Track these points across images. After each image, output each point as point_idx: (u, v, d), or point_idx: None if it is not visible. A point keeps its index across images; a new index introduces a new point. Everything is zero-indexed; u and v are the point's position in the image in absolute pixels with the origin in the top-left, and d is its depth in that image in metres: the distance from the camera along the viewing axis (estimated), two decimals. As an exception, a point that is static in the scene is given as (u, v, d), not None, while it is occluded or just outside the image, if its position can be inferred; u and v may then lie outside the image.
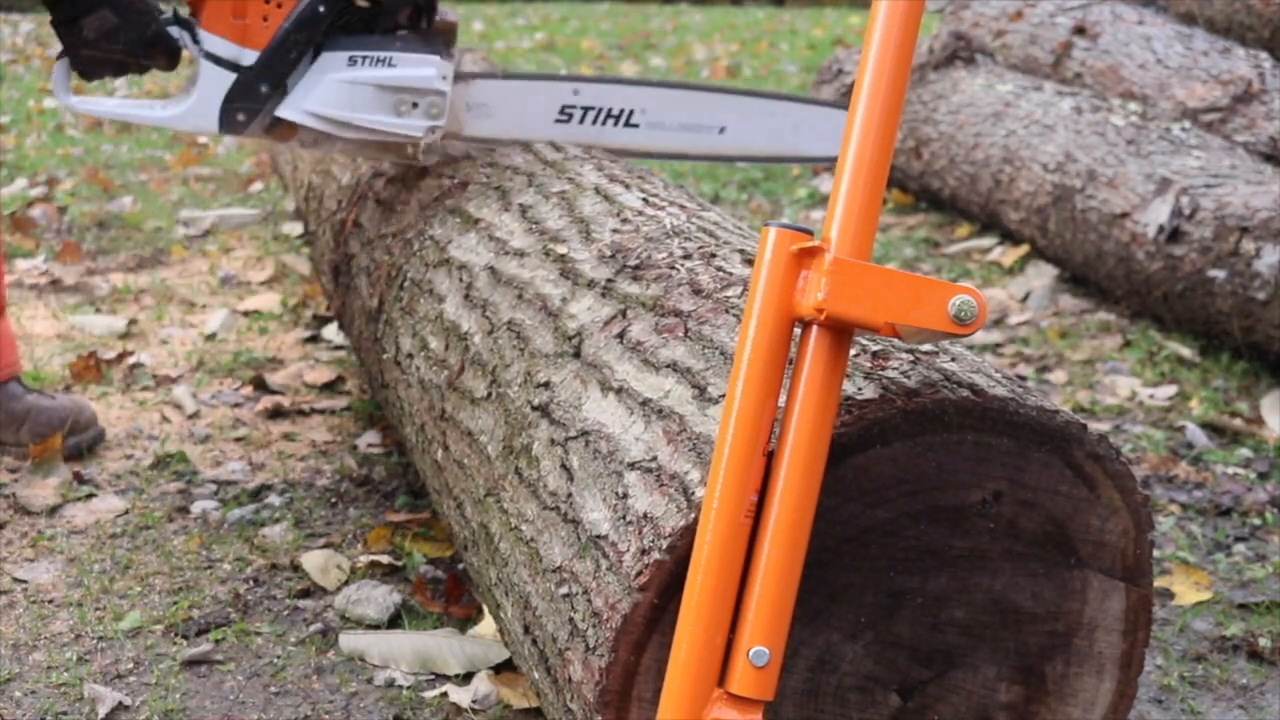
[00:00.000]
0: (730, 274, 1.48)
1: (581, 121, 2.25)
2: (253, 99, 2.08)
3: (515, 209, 1.93)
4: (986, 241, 4.07)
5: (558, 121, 2.25)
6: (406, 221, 2.17)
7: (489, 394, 1.63)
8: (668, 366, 1.35)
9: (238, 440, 2.61)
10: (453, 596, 2.02)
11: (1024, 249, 3.84)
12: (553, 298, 1.63)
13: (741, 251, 1.56)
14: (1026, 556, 1.22)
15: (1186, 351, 3.11)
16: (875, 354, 1.25)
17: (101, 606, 2.01)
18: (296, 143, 2.16)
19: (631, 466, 1.27)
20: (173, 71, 2.11)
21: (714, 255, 1.54)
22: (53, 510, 2.31)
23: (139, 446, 2.57)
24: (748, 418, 1.10)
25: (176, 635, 1.94)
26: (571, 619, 1.26)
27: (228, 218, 4.33)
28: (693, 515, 1.15)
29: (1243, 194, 3.06)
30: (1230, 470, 2.52)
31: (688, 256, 1.55)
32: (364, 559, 2.14)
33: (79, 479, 2.40)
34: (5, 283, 2.50)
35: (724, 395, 1.26)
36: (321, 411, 2.75)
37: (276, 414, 2.73)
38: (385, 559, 2.13)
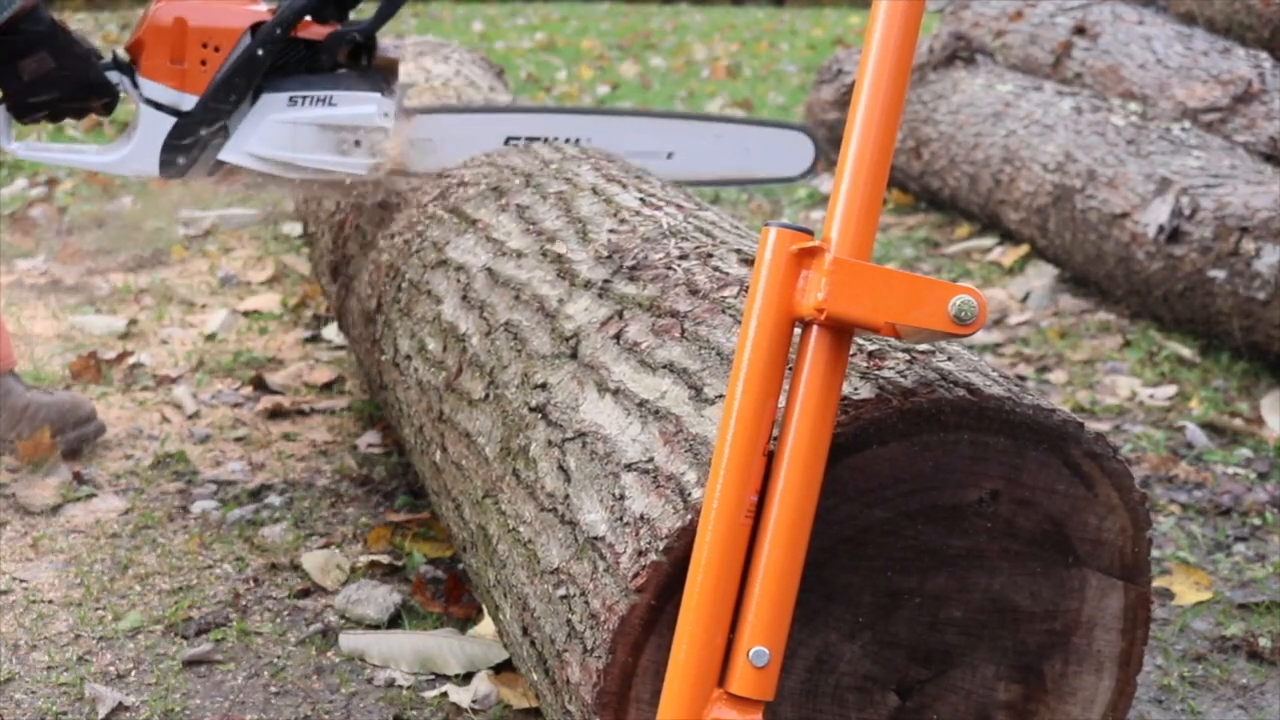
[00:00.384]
0: (727, 274, 1.48)
1: None
2: (193, 143, 2.08)
3: (513, 209, 1.93)
4: (986, 241, 4.07)
5: None
6: (405, 222, 2.17)
7: (487, 395, 1.63)
8: (664, 367, 1.35)
9: (238, 440, 2.61)
10: (453, 596, 2.02)
11: (1024, 249, 3.84)
12: (550, 298, 1.63)
13: (738, 251, 1.56)
14: (1024, 555, 1.22)
15: (1186, 351, 3.11)
16: (871, 354, 1.25)
17: (101, 606, 2.01)
18: (241, 185, 2.16)
19: (628, 468, 1.27)
20: (108, 116, 2.11)
21: (711, 255, 1.54)
22: (53, 510, 2.31)
23: (139, 446, 2.57)
24: (747, 418, 1.10)
25: (176, 635, 1.94)
26: (569, 620, 1.26)
27: (228, 218, 4.33)
28: (689, 516, 1.15)
29: (1243, 194, 3.06)
30: (1230, 470, 2.52)
31: (684, 256, 1.55)
32: (364, 559, 2.14)
33: (79, 479, 2.40)
34: (3, 281, 2.51)
35: (720, 396, 1.26)
36: (321, 411, 2.75)
37: (276, 414, 2.73)
38: (385, 559, 2.13)
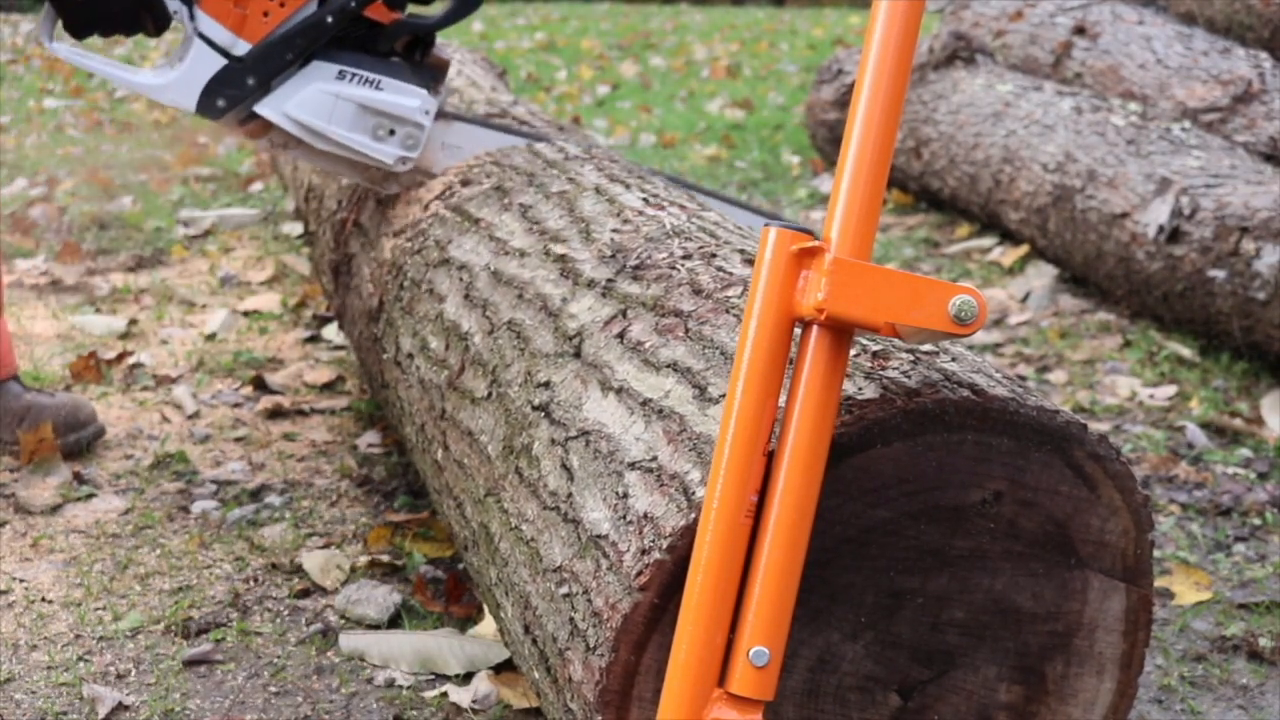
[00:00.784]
0: (730, 274, 1.48)
1: None
2: (236, 89, 2.07)
3: (515, 209, 1.93)
4: (986, 241, 4.07)
5: None
6: (407, 221, 2.17)
7: (489, 394, 1.63)
8: (668, 366, 1.35)
9: (238, 440, 2.61)
10: (453, 596, 2.02)
11: (1024, 249, 3.84)
12: (553, 298, 1.63)
13: (742, 251, 1.56)
14: (1027, 556, 1.22)
15: (1186, 351, 3.11)
16: (876, 354, 1.25)
17: (101, 606, 2.01)
18: (266, 141, 2.16)
19: (632, 466, 1.27)
20: (157, 37, 2.10)
21: (714, 255, 1.54)
22: (53, 510, 2.31)
23: (139, 446, 2.57)
24: (748, 418, 1.10)
25: (176, 635, 1.94)
26: (572, 619, 1.26)
27: (228, 218, 4.33)
28: (693, 515, 1.15)
29: (1243, 194, 3.06)
30: (1230, 470, 2.52)
31: (688, 256, 1.55)
32: (364, 559, 2.14)
33: (79, 479, 2.40)
34: (5, 283, 2.50)
35: (724, 395, 1.26)
36: (321, 411, 2.75)
37: (276, 414, 2.73)
38: (385, 559, 2.13)
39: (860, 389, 1.18)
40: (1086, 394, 2.89)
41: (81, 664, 1.87)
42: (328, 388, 2.88)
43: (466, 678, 1.85)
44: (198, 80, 2.07)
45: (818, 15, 12.08)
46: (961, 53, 4.63)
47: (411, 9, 2.16)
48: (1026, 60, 4.78)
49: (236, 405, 2.78)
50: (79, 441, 2.50)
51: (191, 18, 2.06)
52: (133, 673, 1.85)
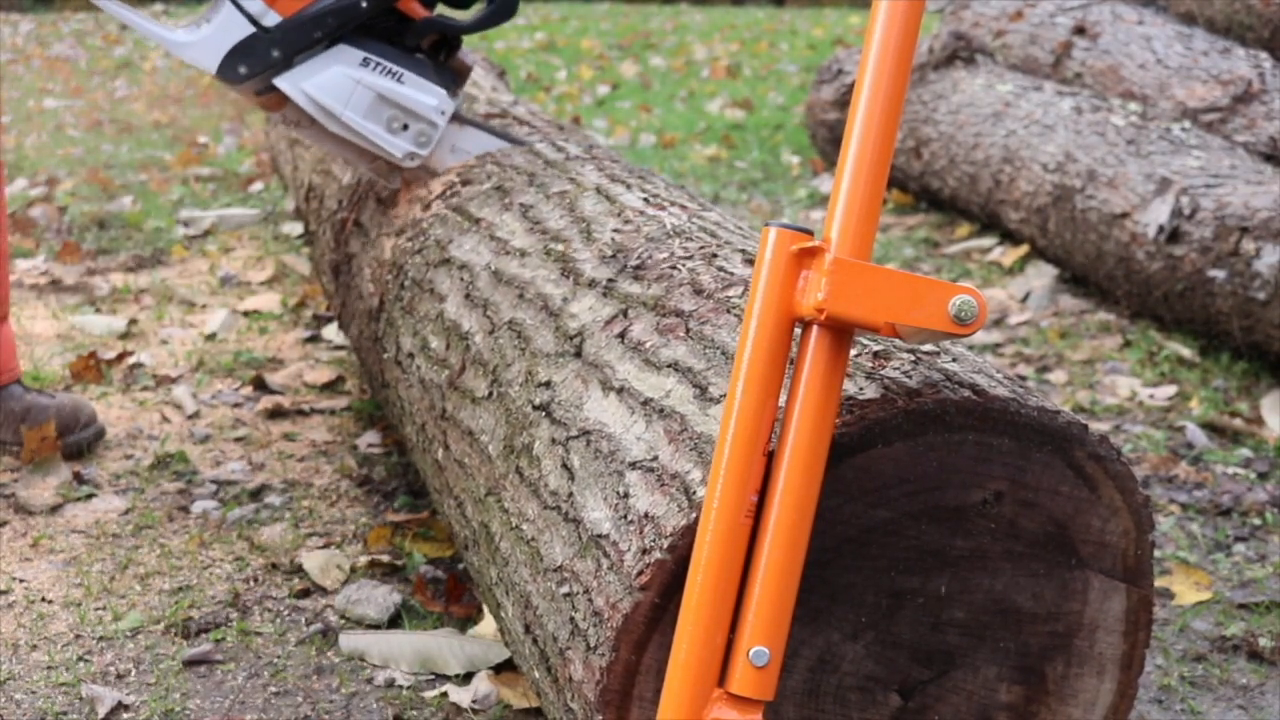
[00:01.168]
0: (731, 274, 1.48)
1: None
2: (260, 59, 2.07)
3: (516, 208, 1.93)
4: (986, 241, 4.07)
5: None
6: (407, 221, 2.17)
7: (490, 393, 1.63)
8: (669, 366, 1.35)
9: (238, 440, 2.61)
10: (453, 596, 2.02)
11: (1024, 249, 3.84)
12: (554, 297, 1.63)
13: (743, 252, 1.56)
14: (1027, 557, 1.22)
15: (1186, 351, 3.11)
16: (876, 354, 1.25)
17: (101, 606, 2.01)
18: (280, 116, 2.16)
19: (633, 466, 1.27)
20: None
21: (715, 255, 1.54)
22: (53, 510, 2.31)
23: (139, 446, 2.57)
24: (748, 418, 1.10)
25: (176, 635, 1.94)
26: (572, 618, 1.26)
27: (228, 218, 4.33)
28: (694, 515, 1.15)
29: (1243, 194, 3.06)
30: (1230, 470, 2.52)
31: (689, 256, 1.55)
32: (364, 559, 2.14)
33: (79, 479, 2.40)
34: (9, 286, 2.50)
35: (725, 395, 1.26)
36: (321, 411, 2.75)
37: (276, 414, 2.73)
38: (385, 559, 2.13)
39: (861, 389, 1.18)
40: (1086, 394, 2.89)
41: (81, 664, 1.87)
42: (328, 388, 2.88)
43: (466, 678, 1.85)
44: (223, 44, 2.07)
45: (818, 15, 12.08)
46: (961, 53, 4.63)
47: (443, 10, 2.16)
48: (1026, 60, 4.78)
49: (236, 405, 2.78)
50: (79, 442, 2.50)
51: None
52: (133, 673, 1.85)
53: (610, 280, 1.58)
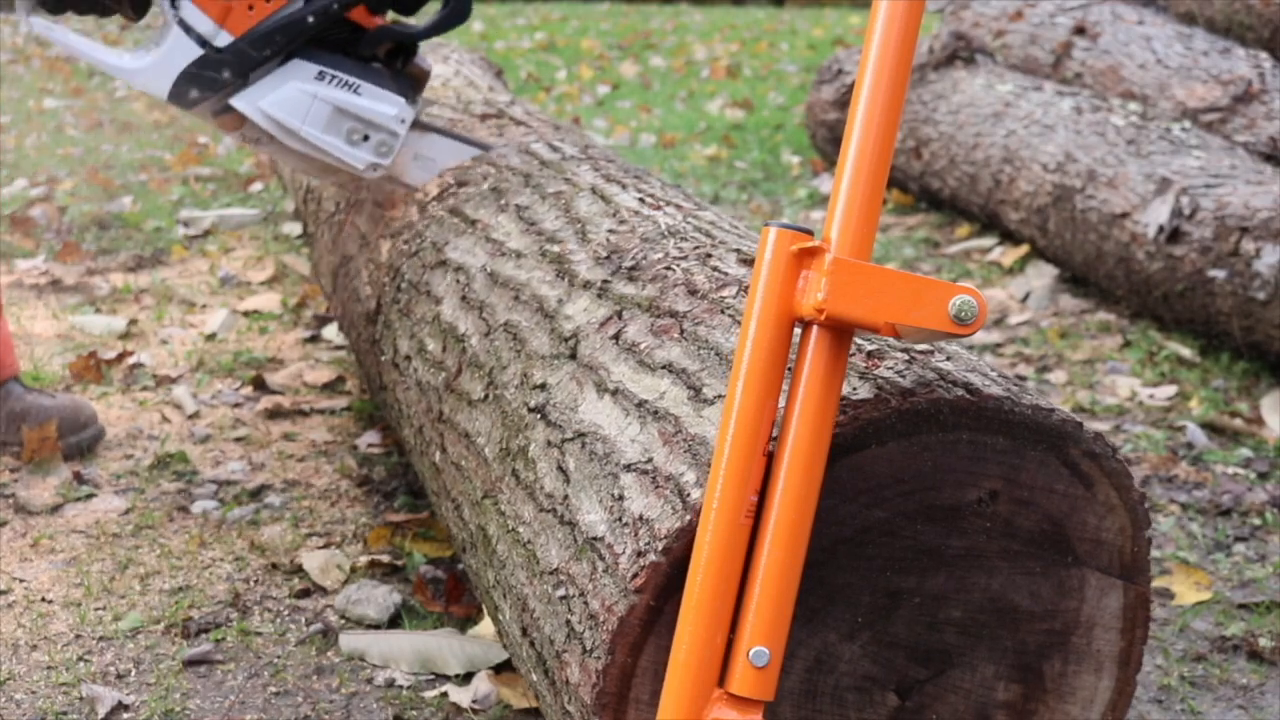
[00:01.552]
0: (726, 274, 1.48)
1: None
2: (212, 81, 2.04)
3: (512, 210, 1.93)
4: (986, 241, 4.07)
5: None
6: (404, 223, 2.17)
7: (486, 395, 1.63)
8: (663, 367, 1.35)
9: (238, 440, 2.61)
10: (453, 596, 2.02)
11: (1024, 249, 3.84)
12: (549, 299, 1.64)
13: (738, 251, 1.56)
14: (1023, 555, 1.22)
15: (1186, 351, 3.11)
16: (870, 353, 1.25)
17: (101, 606, 2.01)
18: (239, 135, 2.14)
19: (627, 468, 1.27)
20: (136, 21, 2.07)
21: (710, 255, 1.54)
22: (53, 510, 2.31)
23: (139, 446, 2.57)
24: (748, 418, 1.10)
25: (176, 635, 1.94)
26: (568, 621, 1.26)
27: (228, 218, 4.33)
28: (688, 517, 1.15)
29: (1243, 194, 3.06)
30: (1230, 470, 2.52)
31: (683, 257, 1.55)
32: (364, 559, 2.14)
33: (79, 479, 2.41)
34: (5, 283, 2.50)
35: (719, 396, 1.26)
36: (321, 411, 2.75)
37: (276, 414, 2.73)
38: (385, 559, 2.13)
39: (855, 389, 1.18)
40: (1086, 394, 2.89)
41: (81, 664, 1.87)
42: (328, 388, 2.88)
43: (466, 678, 1.85)
44: (173, 67, 2.03)
45: (818, 15, 12.08)
46: (961, 53, 4.63)
47: (397, 17, 2.14)
48: (1026, 60, 4.78)
49: (236, 405, 2.78)
50: (79, 443, 2.50)
51: (174, 4, 2.03)
52: (133, 673, 1.85)
53: (605, 281, 1.58)
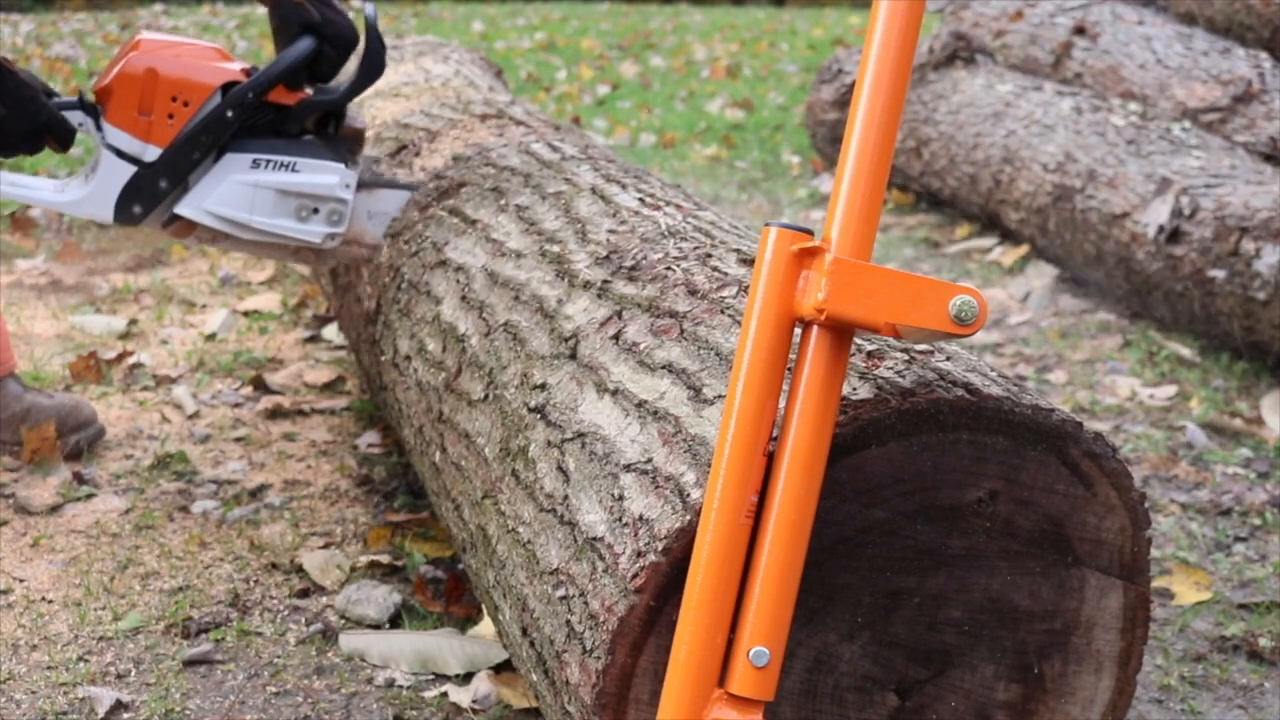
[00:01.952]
0: (726, 274, 1.48)
1: None
2: (151, 195, 2.06)
3: (512, 210, 1.93)
4: (986, 241, 4.07)
5: None
6: (404, 223, 2.17)
7: (486, 395, 1.63)
8: (663, 368, 1.35)
9: (238, 440, 2.61)
10: (453, 596, 2.02)
11: (1024, 249, 3.84)
12: (549, 299, 1.64)
13: (737, 251, 1.56)
14: (1023, 555, 1.22)
15: (1186, 351, 3.11)
16: (870, 354, 1.25)
17: (101, 606, 2.02)
18: (193, 238, 2.15)
19: (627, 468, 1.27)
20: (63, 153, 2.08)
21: (710, 255, 1.54)
22: (53, 510, 2.31)
23: (139, 446, 2.57)
24: (748, 418, 1.10)
25: (176, 635, 1.94)
26: (568, 621, 1.26)
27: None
28: (688, 517, 1.15)
29: (1243, 194, 3.06)
30: (1230, 470, 2.52)
31: (683, 257, 1.55)
32: (364, 559, 2.14)
33: (79, 479, 2.41)
34: (5, 283, 2.50)
35: (719, 396, 1.26)
36: (321, 411, 2.75)
37: (276, 414, 2.73)
38: (385, 559, 2.13)
39: (854, 389, 1.18)
40: (1086, 394, 2.89)
41: (81, 664, 1.87)
42: (328, 388, 2.88)
43: (466, 678, 1.85)
44: (111, 191, 2.06)
45: (818, 15, 12.08)
46: (961, 53, 4.63)
47: (321, 85, 2.14)
48: (1026, 60, 4.78)
49: (236, 405, 2.79)
50: (79, 442, 2.50)
51: (99, 128, 2.05)
52: (133, 673, 1.85)
53: (605, 281, 1.58)
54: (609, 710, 1.18)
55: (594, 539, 1.26)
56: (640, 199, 1.82)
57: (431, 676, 1.86)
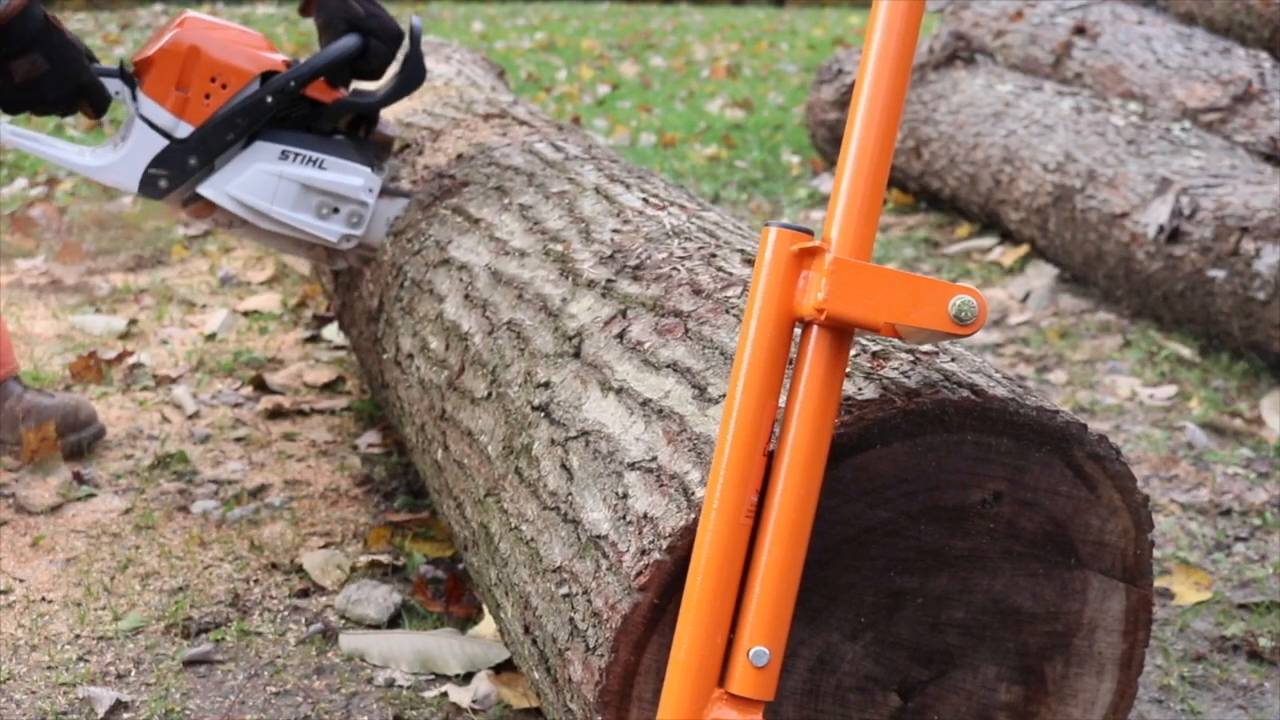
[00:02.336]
0: (730, 274, 1.48)
1: None
2: (178, 170, 2.07)
3: (515, 209, 1.93)
4: (986, 241, 4.07)
5: None
6: (407, 221, 2.17)
7: (489, 394, 1.63)
8: (668, 366, 1.35)
9: (238, 440, 2.61)
10: (453, 596, 2.02)
11: (1024, 249, 3.84)
12: (553, 298, 1.64)
13: (741, 251, 1.56)
14: (1026, 557, 1.22)
15: (1186, 351, 3.11)
16: (875, 354, 1.25)
17: (101, 606, 2.01)
18: (211, 220, 2.15)
19: (631, 466, 1.27)
20: (97, 119, 2.09)
21: (714, 255, 1.54)
22: (53, 510, 2.31)
23: (139, 446, 2.57)
24: (748, 418, 1.10)
25: (176, 635, 1.94)
26: (571, 619, 1.26)
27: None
28: (693, 515, 1.15)
29: (1243, 194, 3.06)
30: (1230, 470, 2.52)
31: (688, 256, 1.55)
32: (364, 559, 2.14)
33: (79, 479, 2.40)
34: (5, 283, 2.50)
35: (724, 395, 1.26)
36: (321, 411, 2.75)
37: (276, 414, 2.73)
38: (385, 559, 2.13)
39: (860, 389, 1.18)
40: (1086, 394, 2.89)
41: (81, 664, 1.87)
42: (328, 388, 2.88)
43: (466, 678, 1.85)
44: (139, 162, 2.07)
45: (818, 15, 12.08)
46: (961, 53, 4.63)
47: (356, 85, 2.15)
48: (1026, 60, 4.78)
49: (236, 405, 2.78)
50: (79, 442, 2.50)
51: (134, 99, 2.06)
52: (133, 673, 1.85)
53: (609, 280, 1.58)
54: (612, 708, 1.18)
55: (598, 537, 1.26)
56: (644, 199, 1.82)
57: (431, 676, 1.86)
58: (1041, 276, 3.66)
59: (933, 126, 4.39)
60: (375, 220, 2.19)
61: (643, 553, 1.18)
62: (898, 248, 4.09)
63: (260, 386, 2.86)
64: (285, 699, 1.80)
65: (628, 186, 1.90)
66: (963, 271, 3.83)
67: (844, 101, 4.89)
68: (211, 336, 3.21)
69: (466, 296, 1.83)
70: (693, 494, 1.18)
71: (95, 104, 2.03)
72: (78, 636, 1.94)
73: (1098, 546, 1.24)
